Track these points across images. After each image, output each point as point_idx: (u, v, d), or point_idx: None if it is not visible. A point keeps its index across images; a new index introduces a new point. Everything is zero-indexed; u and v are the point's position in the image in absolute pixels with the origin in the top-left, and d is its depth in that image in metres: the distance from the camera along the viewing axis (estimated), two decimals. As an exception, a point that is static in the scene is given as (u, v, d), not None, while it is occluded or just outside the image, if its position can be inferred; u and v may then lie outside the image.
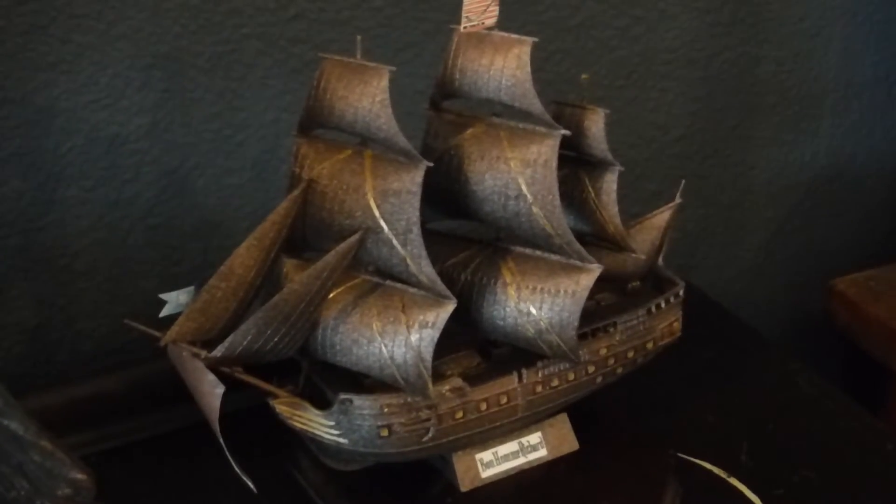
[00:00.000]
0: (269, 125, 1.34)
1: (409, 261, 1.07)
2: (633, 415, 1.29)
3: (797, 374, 1.38)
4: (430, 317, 1.07)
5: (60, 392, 1.25)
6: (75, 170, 1.28)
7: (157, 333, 1.05)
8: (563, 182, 1.17)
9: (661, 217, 1.23)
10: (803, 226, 1.76)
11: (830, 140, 1.73)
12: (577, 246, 1.12)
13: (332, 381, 1.12)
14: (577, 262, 1.13)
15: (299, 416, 1.11)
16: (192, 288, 1.06)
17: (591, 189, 1.18)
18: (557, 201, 1.10)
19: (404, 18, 1.37)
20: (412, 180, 1.05)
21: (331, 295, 1.10)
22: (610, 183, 1.18)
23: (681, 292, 1.25)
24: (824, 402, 1.34)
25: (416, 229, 1.06)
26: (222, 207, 1.36)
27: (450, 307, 1.07)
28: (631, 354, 1.22)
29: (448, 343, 1.16)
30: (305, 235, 1.11)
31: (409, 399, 1.10)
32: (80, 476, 0.95)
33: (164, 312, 1.06)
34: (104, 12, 1.23)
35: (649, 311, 1.22)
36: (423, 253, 1.06)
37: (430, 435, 1.12)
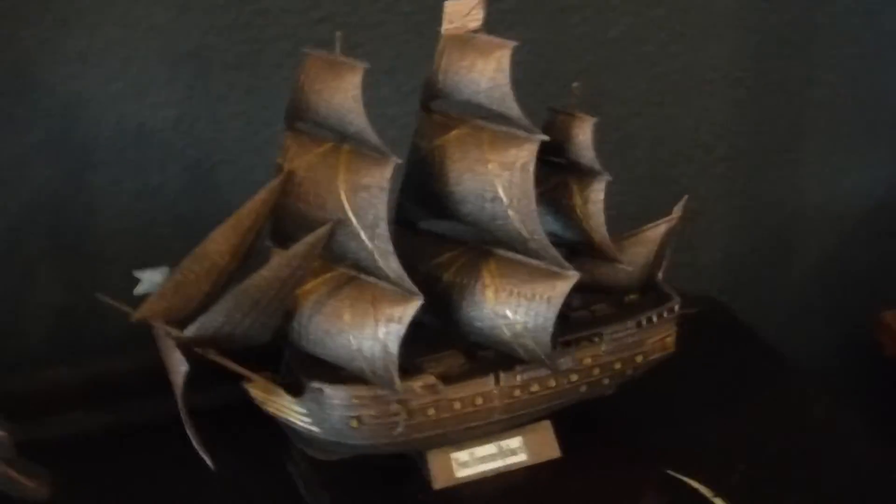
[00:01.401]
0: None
1: (376, 255, 1.09)
2: (629, 428, 1.27)
3: (815, 400, 1.35)
4: (398, 312, 1.09)
5: (76, 369, 1.30)
6: (103, 158, 1.33)
7: (128, 309, 1.09)
8: (553, 190, 1.18)
9: (657, 230, 1.22)
10: (854, 255, 1.72)
11: (888, 170, 1.68)
12: (554, 252, 1.12)
13: (309, 369, 1.14)
14: (556, 268, 1.13)
15: (273, 402, 1.14)
16: (166, 267, 1.10)
17: (578, 198, 1.18)
18: (533, 206, 1.10)
19: (434, 25, 1.38)
20: (382, 176, 1.07)
21: (307, 285, 1.12)
22: (597, 192, 1.17)
23: (676, 307, 1.23)
24: (840, 429, 1.30)
25: (384, 224, 1.07)
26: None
27: (416, 303, 1.08)
28: (618, 366, 1.21)
29: (436, 343, 1.18)
30: (288, 226, 1.14)
31: (379, 392, 1.11)
32: None
33: (138, 290, 1.10)
34: (133, 8, 1.28)
35: (639, 323, 1.21)
36: (391, 248, 1.08)
37: (400, 429, 1.13)
